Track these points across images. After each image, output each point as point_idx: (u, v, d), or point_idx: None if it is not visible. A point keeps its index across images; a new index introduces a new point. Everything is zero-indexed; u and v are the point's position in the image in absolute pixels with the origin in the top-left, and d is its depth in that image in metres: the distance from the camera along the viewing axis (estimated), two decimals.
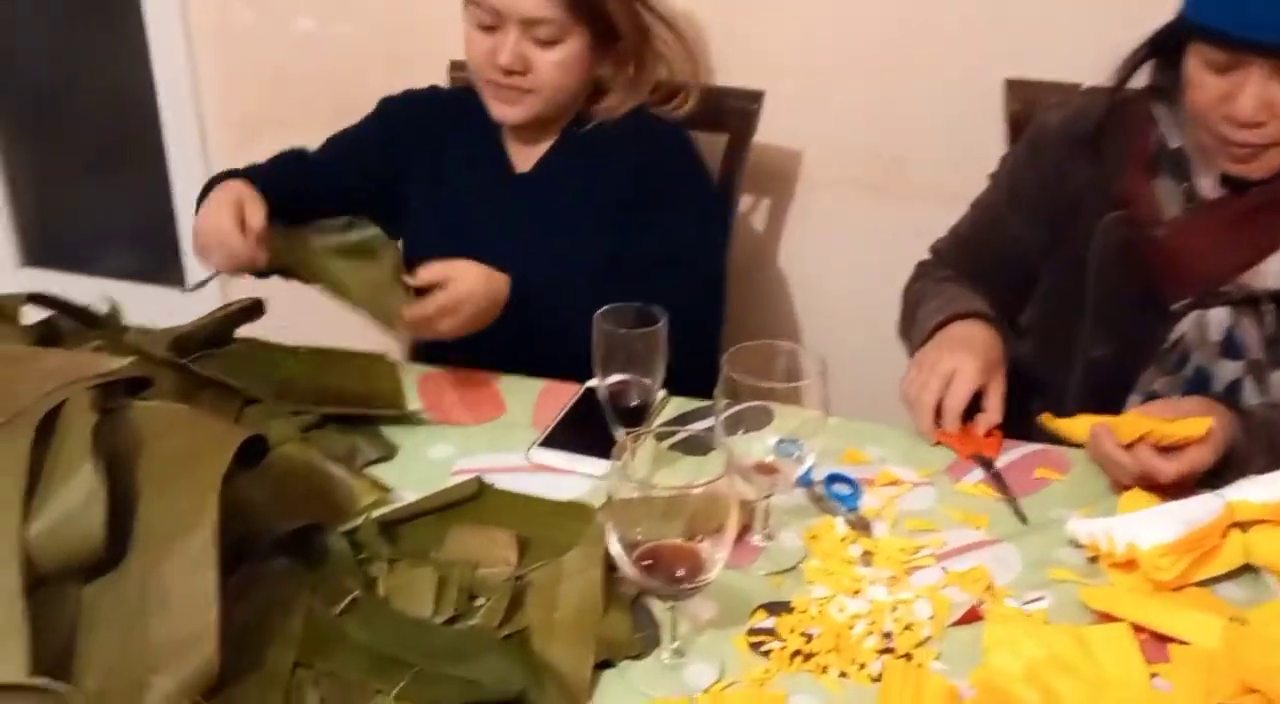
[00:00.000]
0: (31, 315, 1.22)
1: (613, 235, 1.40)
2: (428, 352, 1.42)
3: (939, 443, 1.15)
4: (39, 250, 2.52)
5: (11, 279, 2.49)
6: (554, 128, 1.43)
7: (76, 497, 0.82)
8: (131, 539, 0.85)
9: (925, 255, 1.44)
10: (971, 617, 0.92)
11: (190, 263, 2.25)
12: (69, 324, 1.23)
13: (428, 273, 1.21)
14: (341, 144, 1.48)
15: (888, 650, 0.88)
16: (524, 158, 1.46)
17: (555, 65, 1.35)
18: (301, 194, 1.36)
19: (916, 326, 1.30)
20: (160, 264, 2.31)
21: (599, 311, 1.03)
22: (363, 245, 1.23)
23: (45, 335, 1.17)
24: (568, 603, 0.91)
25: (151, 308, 1.36)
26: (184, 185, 2.21)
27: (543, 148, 1.44)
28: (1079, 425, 1.09)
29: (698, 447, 0.91)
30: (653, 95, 1.45)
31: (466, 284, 1.20)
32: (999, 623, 0.89)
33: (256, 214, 1.22)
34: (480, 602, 0.92)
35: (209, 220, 1.22)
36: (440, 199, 1.47)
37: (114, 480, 0.84)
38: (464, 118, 1.45)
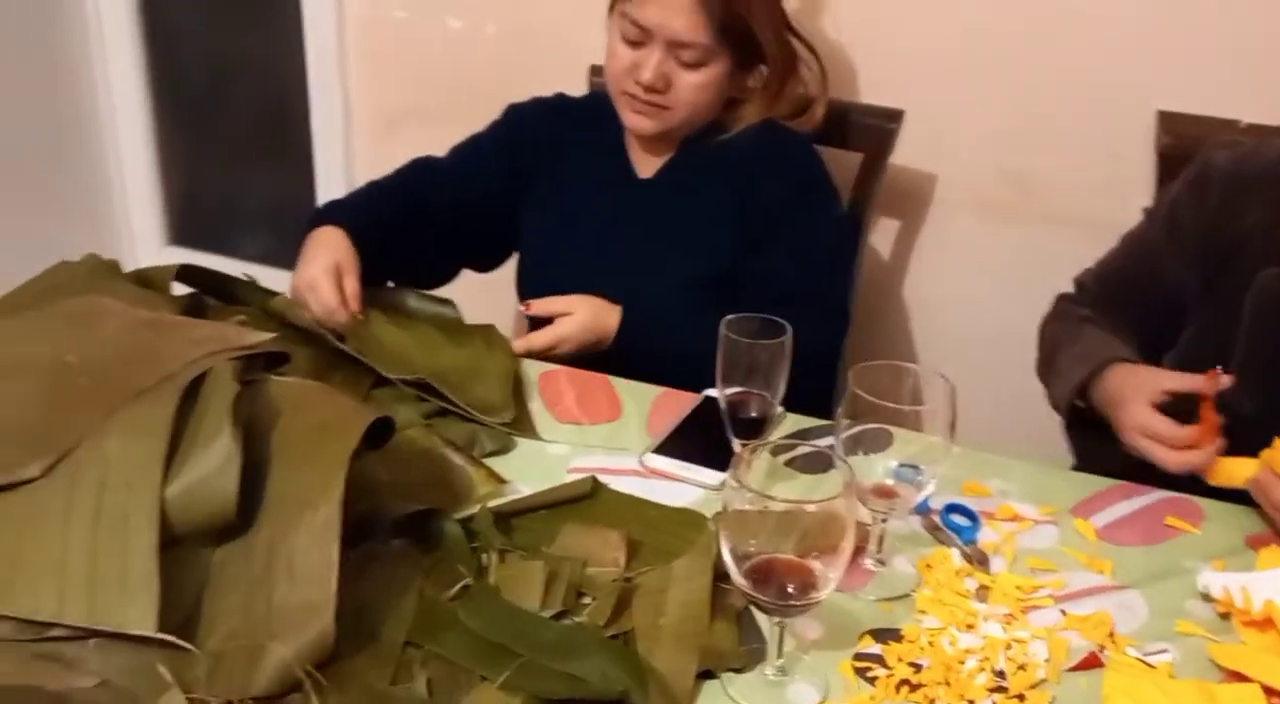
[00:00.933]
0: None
1: (733, 246, 1.40)
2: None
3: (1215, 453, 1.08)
4: (185, 230, 2.63)
5: (158, 256, 2.61)
6: (680, 135, 1.44)
7: (214, 462, 0.85)
8: (261, 508, 0.88)
9: (1063, 285, 1.40)
10: (1090, 663, 0.88)
11: None
12: (213, 301, 1.29)
13: (542, 305, 1.30)
14: (465, 150, 1.52)
15: (999, 690, 0.86)
16: (647, 164, 1.47)
17: (696, 87, 1.36)
18: (416, 212, 1.42)
19: (1057, 375, 1.26)
20: (298, 249, 2.40)
21: (725, 319, 1.03)
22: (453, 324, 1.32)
23: (192, 308, 1.22)
24: (674, 609, 0.91)
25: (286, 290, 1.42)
26: (326, 174, 2.29)
27: (667, 155, 1.45)
28: (1239, 466, 1.04)
29: (815, 464, 0.89)
30: (783, 108, 1.45)
31: (577, 321, 1.31)
32: (1120, 672, 0.85)
33: (353, 281, 1.26)
34: (587, 600, 0.93)
35: (307, 278, 1.26)
36: (559, 202, 1.48)
37: (249, 450, 0.88)
38: (589, 123, 1.47)
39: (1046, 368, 1.32)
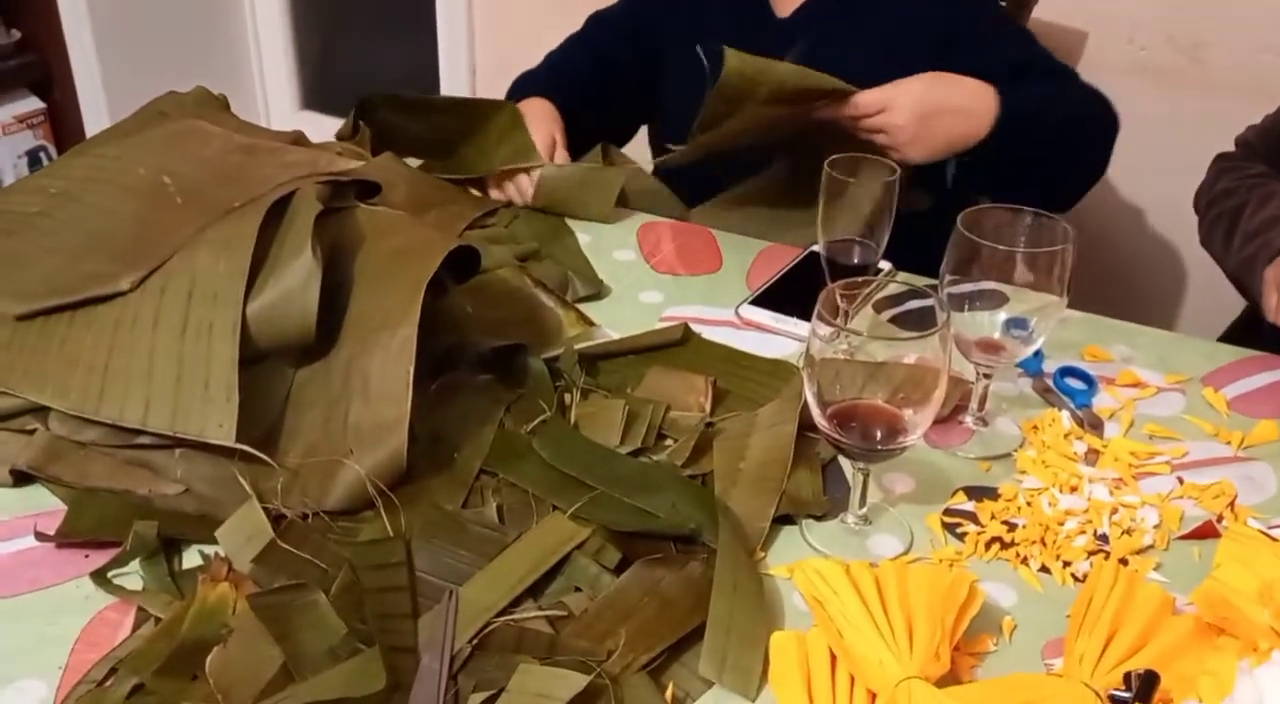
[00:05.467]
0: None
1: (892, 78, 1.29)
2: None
3: None
4: (316, 95, 2.67)
5: (290, 120, 2.65)
6: None
7: (295, 279, 0.85)
8: (342, 329, 0.87)
9: (1224, 147, 1.27)
10: (1205, 532, 0.82)
11: None
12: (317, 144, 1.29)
13: (868, 97, 1.12)
14: (608, 21, 1.47)
15: (1100, 553, 0.80)
16: (785, 3, 1.38)
17: None
18: (602, 69, 1.40)
19: (1245, 238, 1.11)
20: None
21: (829, 158, 0.96)
22: None
23: (294, 143, 1.22)
24: (755, 454, 0.87)
25: None
26: (447, 38, 2.27)
27: None
28: None
29: (919, 323, 0.83)
30: None
31: (896, 112, 1.11)
32: (1236, 541, 0.78)
33: (563, 152, 1.27)
34: (669, 442, 0.90)
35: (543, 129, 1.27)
36: (694, 47, 1.41)
37: (332, 273, 0.87)
38: None
39: (1225, 230, 1.16)
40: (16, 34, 2.23)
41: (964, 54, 1.25)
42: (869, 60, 1.30)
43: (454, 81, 2.30)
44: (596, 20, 1.48)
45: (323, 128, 2.64)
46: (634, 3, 1.46)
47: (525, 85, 1.38)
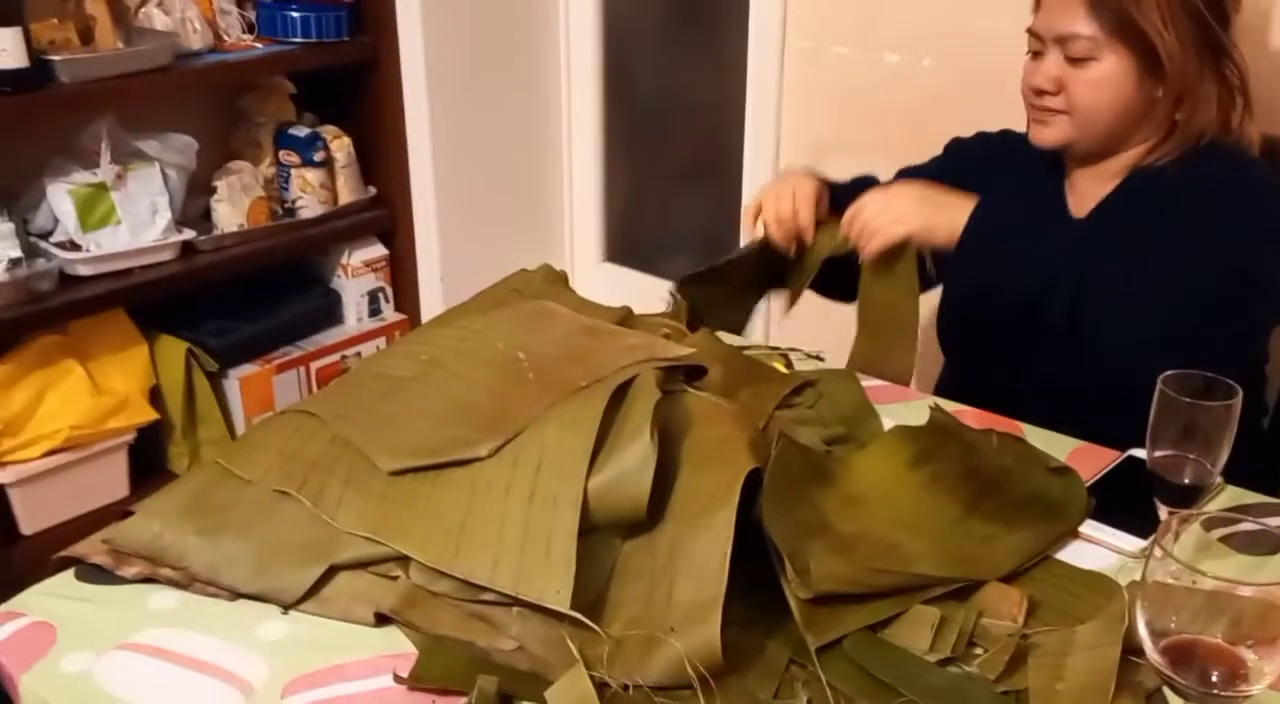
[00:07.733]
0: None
1: (1187, 288, 1.26)
2: (954, 391, 1.40)
3: None
4: (619, 248, 2.85)
5: (595, 272, 2.85)
6: (1117, 170, 1.35)
7: (632, 461, 0.92)
8: (668, 507, 0.93)
9: None
10: None
11: None
12: (643, 315, 1.39)
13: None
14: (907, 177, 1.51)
15: None
16: (1082, 201, 1.38)
17: (1087, 84, 1.28)
18: None
19: None
20: None
21: (1163, 375, 0.95)
22: None
23: (624, 319, 1.32)
24: (1075, 676, 0.85)
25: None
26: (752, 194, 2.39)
27: (1103, 191, 1.36)
28: None
29: (1256, 544, 0.80)
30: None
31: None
32: None
33: (807, 213, 1.38)
34: (979, 651, 0.89)
35: (777, 187, 1.41)
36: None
37: (661, 453, 0.94)
38: (1027, 159, 1.41)
39: None
40: (373, 190, 2.54)
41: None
42: (1172, 264, 1.26)
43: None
44: None
45: (620, 279, 2.83)
46: (935, 177, 1.50)
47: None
